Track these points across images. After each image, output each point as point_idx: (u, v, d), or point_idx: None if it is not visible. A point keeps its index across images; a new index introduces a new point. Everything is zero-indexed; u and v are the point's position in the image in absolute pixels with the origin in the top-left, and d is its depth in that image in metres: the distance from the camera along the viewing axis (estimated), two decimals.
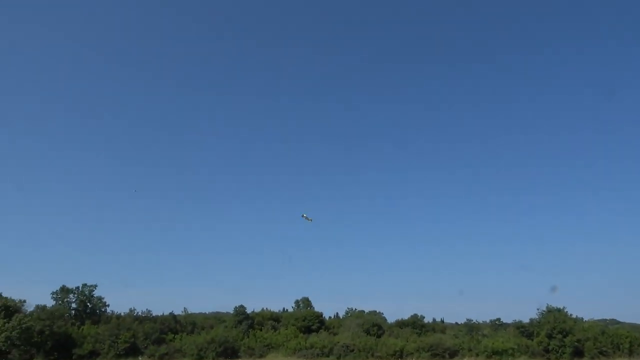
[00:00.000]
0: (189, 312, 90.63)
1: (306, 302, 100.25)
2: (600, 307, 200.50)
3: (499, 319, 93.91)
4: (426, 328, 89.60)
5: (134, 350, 67.68)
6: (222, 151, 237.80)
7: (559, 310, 78.04)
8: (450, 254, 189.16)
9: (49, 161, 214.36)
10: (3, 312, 61.64)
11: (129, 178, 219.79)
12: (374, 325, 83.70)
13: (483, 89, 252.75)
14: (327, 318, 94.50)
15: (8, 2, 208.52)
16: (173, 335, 74.66)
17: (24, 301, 68.05)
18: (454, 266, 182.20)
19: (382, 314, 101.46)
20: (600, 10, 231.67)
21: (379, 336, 79.85)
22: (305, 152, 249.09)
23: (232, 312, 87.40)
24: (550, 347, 71.61)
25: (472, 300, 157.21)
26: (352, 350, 71.85)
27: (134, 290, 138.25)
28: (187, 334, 76.07)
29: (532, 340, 74.81)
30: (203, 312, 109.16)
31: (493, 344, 71.78)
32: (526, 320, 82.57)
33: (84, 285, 77.80)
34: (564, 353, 70.34)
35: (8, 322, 59.74)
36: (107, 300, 79.64)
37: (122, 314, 78.61)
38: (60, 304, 75.43)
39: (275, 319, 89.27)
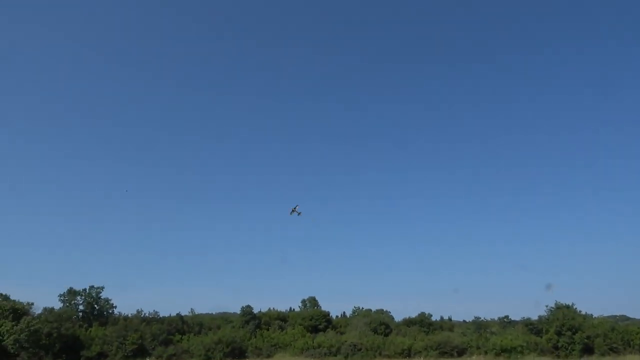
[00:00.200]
0: (196, 313, 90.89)
1: (313, 301, 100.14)
2: (610, 303, 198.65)
3: (507, 317, 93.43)
4: (434, 326, 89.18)
5: (141, 351, 67.85)
6: (222, 151, 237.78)
7: (567, 307, 77.25)
8: (455, 253, 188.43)
9: (49, 161, 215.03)
10: (11, 315, 62.06)
11: (129, 178, 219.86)
12: (381, 324, 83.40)
13: (483, 89, 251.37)
14: (334, 317, 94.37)
15: (8, 2, 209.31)
16: (180, 336, 74.80)
17: (32, 304, 68.74)
18: (458, 265, 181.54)
19: (389, 312, 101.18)
20: (600, 10, 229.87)
21: (386, 335, 79.57)
22: (306, 152, 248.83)
23: (239, 312, 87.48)
24: (559, 344, 70.98)
25: (479, 298, 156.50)
26: (360, 350, 71.63)
27: (140, 292, 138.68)
28: (195, 335, 76.20)
29: (541, 337, 74.22)
30: (210, 312, 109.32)
31: (501, 341, 71.22)
32: (535, 317, 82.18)
33: (91, 287, 78.21)
34: (573, 350, 69.65)
35: (16, 325, 60.13)
36: (114, 301, 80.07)
37: (130, 315, 78.87)
38: (67, 306, 75.79)
39: (282, 318, 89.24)
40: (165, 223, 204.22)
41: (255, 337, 77.21)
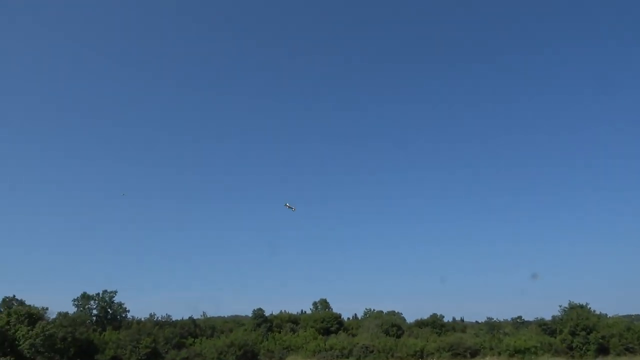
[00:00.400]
0: (208, 317, 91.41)
1: (324, 303, 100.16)
2: (625, 302, 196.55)
3: (520, 317, 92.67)
4: (446, 327, 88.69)
5: (155, 355, 68.29)
6: (222, 151, 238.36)
7: (582, 306, 76.39)
8: (468, 254, 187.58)
9: (49, 161, 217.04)
10: (27, 319, 62.87)
11: (129, 178, 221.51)
12: (393, 325, 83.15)
13: (483, 89, 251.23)
14: (345, 319, 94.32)
15: (8, 2, 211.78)
16: (193, 339, 75.22)
17: (47, 309, 69.46)
18: (468, 266, 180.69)
19: (401, 314, 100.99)
20: (600, 10, 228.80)
21: (398, 336, 79.29)
22: (305, 152, 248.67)
23: (250, 315, 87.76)
24: (574, 345, 70.12)
25: (492, 299, 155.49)
26: (372, 351, 71.40)
27: (152, 296, 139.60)
28: (207, 338, 76.58)
29: (555, 337, 73.36)
30: (222, 315, 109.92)
31: (515, 342, 70.53)
32: (548, 317, 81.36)
33: (104, 291, 79.11)
34: (588, 350, 68.75)
35: (32, 330, 60.91)
36: (127, 306, 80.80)
37: (143, 319, 79.55)
38: (81, 311, 76.68)
39: (293, 321, 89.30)
40: (172, 223, 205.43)
41: (267, 339, 77.36)
